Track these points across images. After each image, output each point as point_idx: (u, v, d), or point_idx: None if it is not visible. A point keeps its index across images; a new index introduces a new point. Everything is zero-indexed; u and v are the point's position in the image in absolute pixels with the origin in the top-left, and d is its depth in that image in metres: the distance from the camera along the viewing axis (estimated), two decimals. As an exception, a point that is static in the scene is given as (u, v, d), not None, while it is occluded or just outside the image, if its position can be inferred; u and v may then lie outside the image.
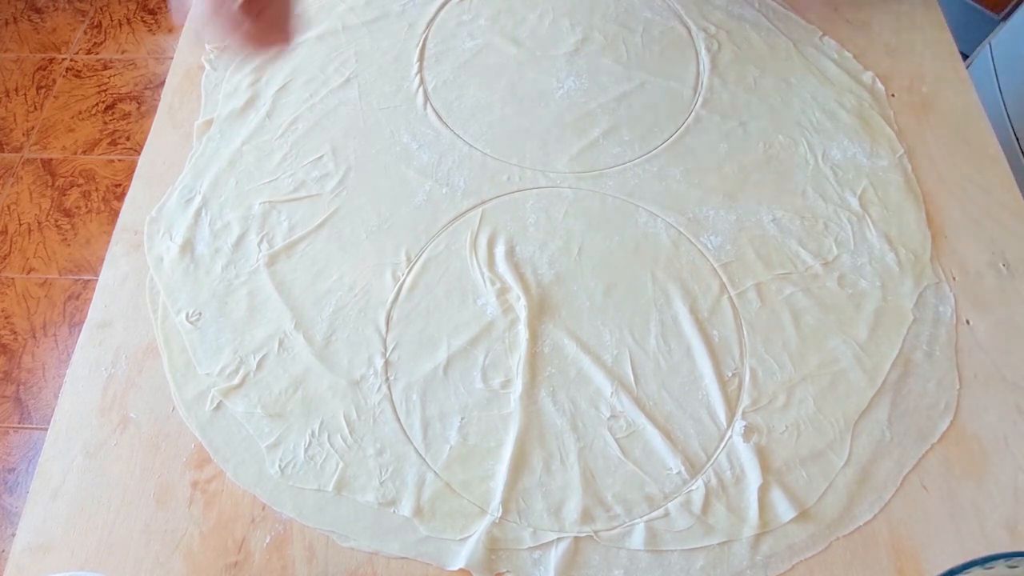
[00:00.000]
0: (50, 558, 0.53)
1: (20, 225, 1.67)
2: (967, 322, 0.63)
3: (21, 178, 1.74)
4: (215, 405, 0.59)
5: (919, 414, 0.58)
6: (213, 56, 0.78)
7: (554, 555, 0.53)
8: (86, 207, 1.69)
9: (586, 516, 0.55)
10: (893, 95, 0.76)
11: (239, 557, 0.53)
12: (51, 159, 1.76)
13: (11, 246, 1.64)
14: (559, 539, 0.54)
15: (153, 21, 2.02)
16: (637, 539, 0.54)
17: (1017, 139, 1.25)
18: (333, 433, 0.58)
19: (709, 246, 0.66)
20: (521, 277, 0.64)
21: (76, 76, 1.91)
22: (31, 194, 1.71)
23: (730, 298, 0.64)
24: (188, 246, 0.66)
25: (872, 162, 0.71)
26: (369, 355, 0.61)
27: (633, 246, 0.66)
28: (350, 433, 0.58)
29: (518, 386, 0.59)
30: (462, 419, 0.58)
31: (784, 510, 0.54)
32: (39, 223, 1.67)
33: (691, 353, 0.61)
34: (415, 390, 0.60)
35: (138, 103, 1.86)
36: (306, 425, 0.58)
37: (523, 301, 0.63)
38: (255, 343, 0.62)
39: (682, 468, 0.56)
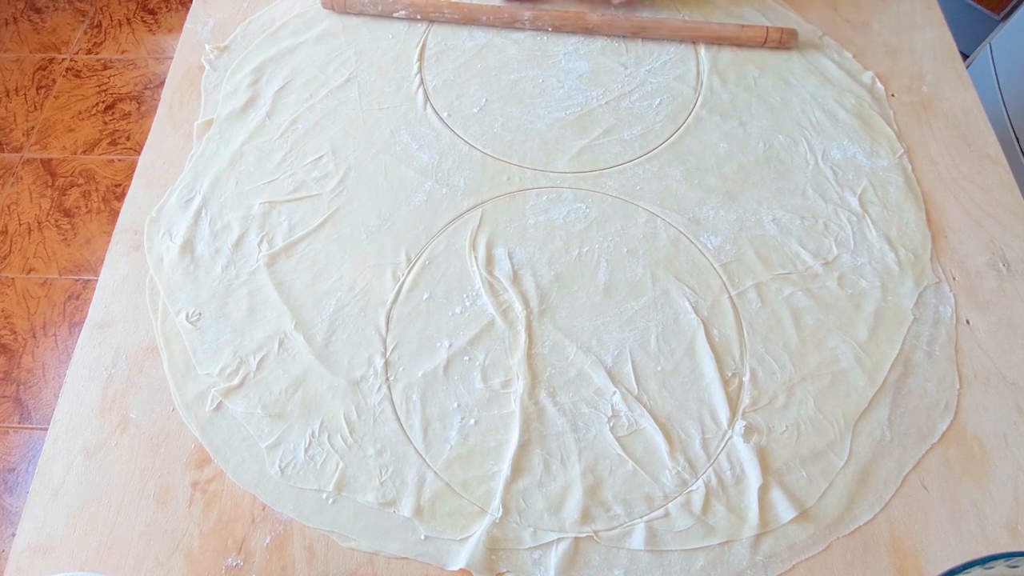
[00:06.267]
0: (50, 558, 0.53)
1: (20, 225, 1.67)
2: (967, 322, 0.63)
3: (21, 178, 1.74)
4: (215, 405, 0.59)
5: (919, 414, 0.58)
6: (213, 56, 0.78)
7: (554, 555, 0.53)
8: (86, 207, 1.69)
9: (586, 516, 0.55)
10: (893, 95, 0.76)
11: (239, 557, 0.53)
12: (51, 159, 1.76)
13: (11, 246, 1.64)
14: (559, 539, 0.54)
15: (153, 21, 2.02)
16: (637, 539, 0.54)
17: (1017, 139, 1.25)
18: (333, 433, 0.58)
19: (709, 246, 0.66)
20: (521, 277, 0.64)
21: (76, 76, 1.91)
22: (31, 194, 1.71)
23: (730, 298, 0.64)
24: (188, 246, 0.66)
25: (872, 162, 0.71)
26: (369, 355, 0.61)
27: (633, 246, 0.66)
28: (350, 433, 0.58)
29: (518, 386, 0.59)
30: (462, 419, 0.58)
31: (784, 510, 0.54)
32: (39, 223, 1.67)
33: (691, 353, 0.61)
34: (415, 390, 0.60)
35: (138, 103, 1.86)
36: (306, 425, 0.58)
37: (523, 301, 0.63)
38: (255, 343, 0.62)
39: (682, 468, 0.56)
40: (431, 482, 0.56)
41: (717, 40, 0.78)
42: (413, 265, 0.65)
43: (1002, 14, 1.45)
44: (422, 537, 0.54)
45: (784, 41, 0.77)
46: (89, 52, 1.95)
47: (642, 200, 0.69)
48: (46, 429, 0.61)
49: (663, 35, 0.79)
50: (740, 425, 0.58)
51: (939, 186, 0.70)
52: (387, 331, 0.62)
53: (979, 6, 1.48)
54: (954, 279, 0.65)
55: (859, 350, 0.61)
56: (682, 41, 0.79)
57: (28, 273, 1.61)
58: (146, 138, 0.74)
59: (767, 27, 0.77)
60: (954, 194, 0.69)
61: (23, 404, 1.46)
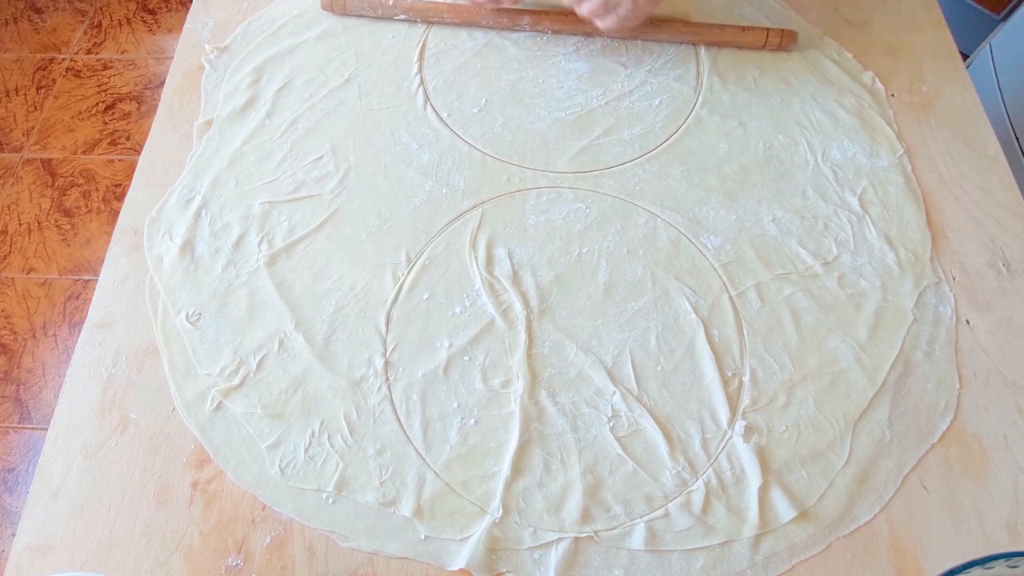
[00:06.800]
0: (50, 558, 0.53)
1: (20, 225, 1.67)
2: (967, 322, 0.63)
3: (21, 178, 1.74)
4: (215, 405, 0.59)
5: (919, 414, 0.58)
6: (213, 56, 0.78)
7: (554, 555, 0.53)
8: (86, 207, 1.69)
9: (586, 516, 0.55)
10: (893, 95, 0.76)
11: (239, 557, 0.53)
12: (51, 159, 1.76)
13: (11, 246, 1.64)
14: (559, 539, 0.54)
15: (153, 21, 2.02)
16: (637, 539, 0.54)
17: (1017, 139, 1.25)
18: (333, 433, 0.58)
19: (709, 246, 0.66)
20: (521, 277, 0.64)
21: (76, 76, 1.91)
22: (31, 194, 1.71)
23: (730, 298, 0.64)
24: (188, 246, 0.66)
25: (872, 162, 0.71)
26: (369, 355, 0.61)
27: (633, 246, 0.66)
28: (350, 433, 0.58)
29: (518, 386, 0.59)
30: (462, 419, 0.58)
31: (784, 510, 0.54)
32: (39, 223, 1.67)
33: (691, 353, 0.61)
34: (415, 390, 0.60)
35: (138, 103, 1.86)
36: (306, 425, 0.58)
37: (523, 301, 0.63)
38: (255, 343, 0.62)
39: (682, 468, 0.56)
40: (431, 482, 0.56)
41: (717, 43, 0.78)
42: (413, 265, 0.65)
43: (1002, 14, 1.45)
44: (422, 537, 0.54)
45: (784, 44, 0.77)
46: (89, 52, 1.95)
47: (642, 200, 0.69)
48: (46, 429, 0.61)
49: (663, 38, 0.79)
50: (740, 425, 0.58)
51: (939, 186, 0.70)
52: (387, 331, 0.62)
53: (979, 6, 1.48)
54: (954, 279, 0.65)
55: (859, 350, 0.61)
56: (682, 43, 0.79)
57: (28, 273, 1.61)
58: (146, 138, 0.74)
59: (767, 29, 0.77)
60: (954, 194, 0.69)
61: (23, 404, 1.46)
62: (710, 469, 0.56)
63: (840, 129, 0.73)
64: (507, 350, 0.61)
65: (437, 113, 0.75)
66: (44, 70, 1.92)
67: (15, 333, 1.54)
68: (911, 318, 0.62)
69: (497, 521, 0.54)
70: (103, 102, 1.86)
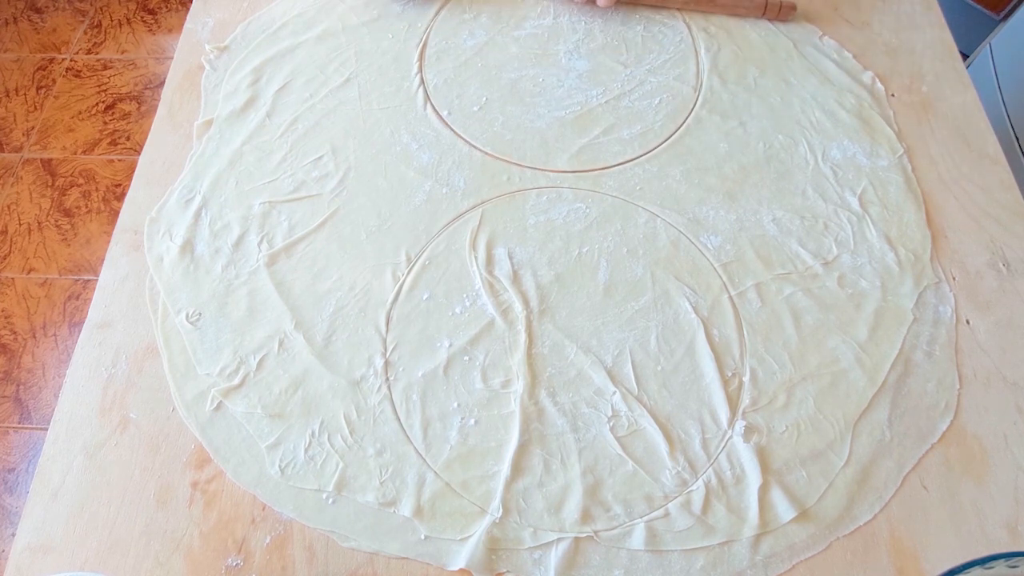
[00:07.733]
0: (50, 558, 0.53)
1: (20, 225, 1.67)
2: (967, 322, 0.63)
3: (21, 178, 1.74)
4: (215, 405, 0.59)
5: (919, 414, 0.58)
6: (213, 56, 0.78)
7: (554, 555, 0.53)
8: (86, 207, 1.69)
9: (586, 516, 0.55)
10: (893, 95, 0.76)
11: (239, 557, 0.53)
12: (51, 159, 1.76)
13: (11, 246, 1.64)
14: (559, 539, 0.54)
15: (153, 21, 2.02)
16: (637, 539, 0.54)
17: (1017, 139, 1.25)
18: (333, 433, 0.58)
19: (709, 246, 0.66)
20: (521, 277, 0.64)
21: (76, 76, 1.91)
22: (31, 194, 1.71)
23: (730, 298, 0.64)
24: (188, 246, 0.66)
25: (872, 162, 0.71)
26: (369, 355, 0.61)
27: (633, 246, 0.66)
28: (350, 433, 0.58)
29: (518, 386, 0.59)
30: (462, 419, 0.58)
31: (784, 510, 0.54)
32: (39, 223, 1.67)
33: (691, 353, 0.61)
34: (415, 390, 0.60)
35: (138, 103, 1.86)
36: (306, 425, 0.58)
37: (523, 301, 0.63)
38: (255, 343, 0.62)
39: (682, 468, 0.56)
40: (431, 482, 0.56)
41: (716, 9, 0.79)
42: (413, 265, 0.65)
43: (1002, 14, 1.45)
44: (422, 537, 0.54)
45: (783, 15, 0.78)
46: (89, 52, 1.95)
47: (642, 200, 0.69)
48: (46, 429, 0.61)
49: (657, 3, 0.80)
50: (740, 425, 0.58)
51: (939, 186, 0.70)
52: (387, 331, 0.62)
53: (979, 6, 1.48)
54: (954, 279, 0.65)
55: (859, 350, 0.61)
56: (680, 10, 0.80)
57: (28, 273, 1.61)
58: (146, 138, 0.74)
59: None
60: (954, 194, 0.69)
61: (23, 404, 1.46)
62: (710, 469, 0.56)
63: (840, 129, 0.73)
64: (507, 350, 0.61)
65: (437, 113, 0.75)
66: (44, 70, 1.92)
67: (15, 333, 1.53)
68: (911, 318, 0.62)
69: (497, 521, 0.54)
70: (103, 102, 1.86)
